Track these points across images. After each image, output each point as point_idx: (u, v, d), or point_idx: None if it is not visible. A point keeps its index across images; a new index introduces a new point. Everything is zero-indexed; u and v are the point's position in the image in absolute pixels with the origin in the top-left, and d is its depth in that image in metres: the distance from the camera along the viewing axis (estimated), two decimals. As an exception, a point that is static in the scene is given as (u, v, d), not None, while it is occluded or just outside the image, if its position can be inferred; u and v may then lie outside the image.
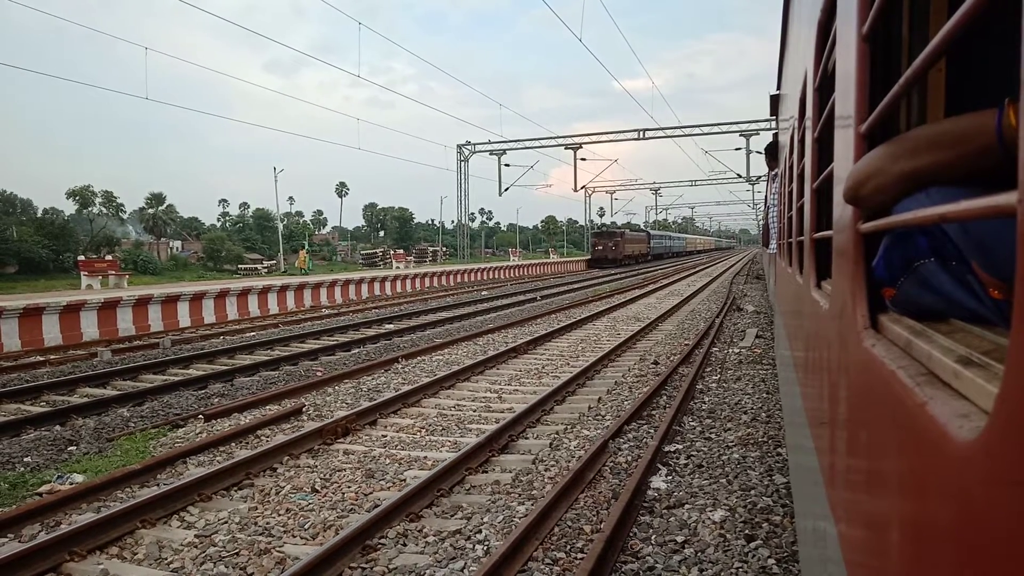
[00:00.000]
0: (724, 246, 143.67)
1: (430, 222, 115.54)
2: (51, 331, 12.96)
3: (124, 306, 14.57)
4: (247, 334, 14.17)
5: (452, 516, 4.60)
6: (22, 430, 6.69)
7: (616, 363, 10.00)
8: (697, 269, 42.68)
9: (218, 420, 7.01)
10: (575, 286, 27.46)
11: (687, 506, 4.61)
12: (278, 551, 4.08)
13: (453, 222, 70.20)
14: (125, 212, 72.10)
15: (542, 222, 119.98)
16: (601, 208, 71.50)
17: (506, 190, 44.16)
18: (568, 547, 4.03)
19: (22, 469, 5.67)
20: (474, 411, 7.38)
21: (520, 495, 4.90)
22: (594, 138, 42.70)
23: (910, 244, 1.09)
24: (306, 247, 39.33)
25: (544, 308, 18.14)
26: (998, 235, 0.90)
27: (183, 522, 4.56)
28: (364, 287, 24.55)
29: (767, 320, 14.26)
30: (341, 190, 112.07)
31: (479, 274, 35.06)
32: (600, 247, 52.55)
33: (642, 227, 74.40)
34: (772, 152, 8.16)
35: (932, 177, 0.99)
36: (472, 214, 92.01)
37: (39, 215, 65.68)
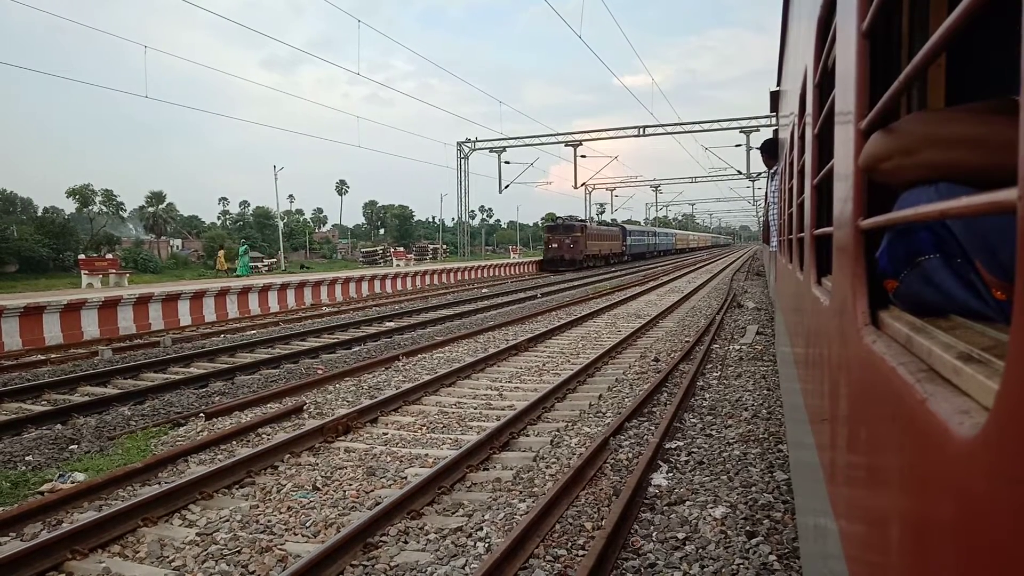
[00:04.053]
0: (721, 243, 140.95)
1: (430, 219, 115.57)
2: (52, 330, 12.97)
3: (125, 305, 14.57)
4: (248, 332, 14.16)
5: (453, 513, 4.60)
6: (23, 429, 6.70)
7: (617, 360, 10.00)
8: (698, 266, 42.63)
9: (219, 418, 7.02)
10: (575, 284, 27.46)
11: (688, 503, 4.61)
12: (280, 549, 4.09)
13: (453, 219, 70.10)
14: (125, 211, 72.22)
15: (543, 219, 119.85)
16: (602, 205, 71.25)
17: (506, 187, 44.03)
18: (569, 544, 4.04)
19: (23, 468, 5.68)
20: (475, 408, 7.38)
21: (521, 492, 4.91)
22: (594, 135, 42.57)
23: (914, 238, 1.08)
24: (243, 245, 30.51)
25: (544, 305, 18.14)
26: (1003, 235, 0.88)
27: (185, 520, 4.57)
28: (364, 285, 24.53)
29: (768, 317, 14.25)
30: (341, 188, 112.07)
31: (479, 272, 35.06)
32: (554, 244, 40.03)
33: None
34: (769, 150, 8.10)
35: (959, 175, 0.96)
36: (472, 211, 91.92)
37: (39, 214, 65.76)
